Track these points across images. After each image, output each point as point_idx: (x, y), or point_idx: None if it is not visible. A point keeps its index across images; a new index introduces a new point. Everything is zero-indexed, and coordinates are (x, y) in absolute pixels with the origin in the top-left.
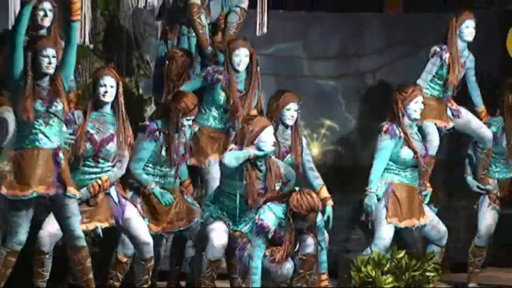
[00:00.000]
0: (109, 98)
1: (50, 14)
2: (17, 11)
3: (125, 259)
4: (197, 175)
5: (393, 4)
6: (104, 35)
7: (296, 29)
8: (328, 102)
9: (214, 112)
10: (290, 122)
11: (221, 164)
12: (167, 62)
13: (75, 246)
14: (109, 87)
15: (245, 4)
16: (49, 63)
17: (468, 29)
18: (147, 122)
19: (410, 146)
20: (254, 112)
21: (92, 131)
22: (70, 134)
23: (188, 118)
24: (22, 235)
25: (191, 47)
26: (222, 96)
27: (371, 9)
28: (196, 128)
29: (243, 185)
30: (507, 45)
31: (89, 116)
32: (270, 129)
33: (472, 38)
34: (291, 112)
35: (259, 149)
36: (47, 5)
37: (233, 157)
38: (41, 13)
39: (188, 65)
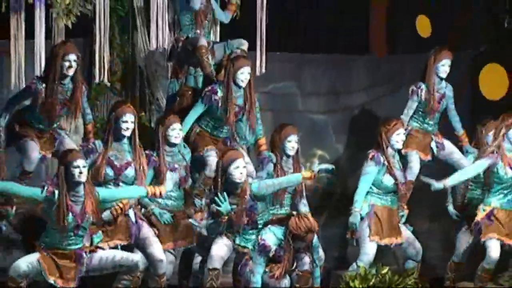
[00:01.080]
0: (129, 132)
1: (74, 65)
2: (43, 58)
3: (138, 273)
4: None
5: (377, 47)
6: (120, 74)
7: (291, 69)
8: (320, 134)
9: (213, 122)
10: (291, 152)
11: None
12: (177, 98)
13: None
14: (130, 122)
15: (245, 46)
16: (80, 172)
17: (443, 67)
18: (149, 152)
19: (391, 173)
20: (263, 141)
21: (112, 158)
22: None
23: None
24: None
25: (198, 85)
26: (219, 112)
27: (357, 51)
28: (198, 129)
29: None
30: (480, 84)
31: (110, 145)
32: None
33: (446, 75)
34: (292, 144)
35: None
36: (72, 57)
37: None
38: (67, 63)
39: (195, 101)
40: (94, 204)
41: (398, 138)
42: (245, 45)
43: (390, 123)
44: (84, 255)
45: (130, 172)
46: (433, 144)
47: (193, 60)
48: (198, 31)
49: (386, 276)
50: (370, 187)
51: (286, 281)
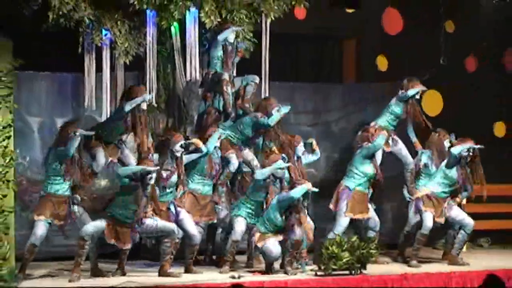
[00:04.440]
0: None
1: (79, 138)
2: (108, 87)
3: (176, 239)
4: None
5: (348, 78)
6: (164, 98)
7: (286, 94)
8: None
9: (234, 134)
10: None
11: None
12: (205, 116)
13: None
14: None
15: (257, 80)
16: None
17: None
18: None
19: (375, 165)
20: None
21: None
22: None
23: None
24: None
25: (220, 107)
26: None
27: (334, 81)
28: (223, 136)
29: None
30: (423, 104)
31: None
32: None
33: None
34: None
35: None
36: (78, 132)
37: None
38: (74, 140)
39: (218, 118)
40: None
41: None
42: (257, 79)
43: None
44: (137, 225)
45: (174, 178)
46: (390, 139)
47: (217, 89)
48: (225, 66)
49: (355, 242)
50: (354, 175)
51: (279, 249)
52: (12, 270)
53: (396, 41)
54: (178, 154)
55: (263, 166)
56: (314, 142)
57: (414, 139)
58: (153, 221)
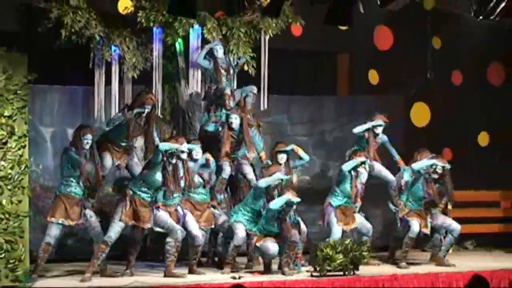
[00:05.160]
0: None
1: (90, 142)
2: (117, 99)
3: (179, 238)
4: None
5: (341, 91)
6: (169, 110)
7: (283, 106)
8: (302, 149)
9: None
10: (282, 161)
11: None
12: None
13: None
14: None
15: (255, 90)
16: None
17: (380, 127)
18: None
19: (355, 185)
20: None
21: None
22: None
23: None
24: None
25: (222, 118)
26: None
27: (329, 93)
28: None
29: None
30: (411, 116)
31: None
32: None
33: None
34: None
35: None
36: (89, 136)
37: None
38: (85, 141)
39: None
40: None
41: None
42: (254, 89)
43: (359, 154)
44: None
45: (182, 183)
46: (366, 166)
47: (220, 102)
48: (219, 80)
49: (348, 245)
50: (335, 193)
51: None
52: (27, 271)
53: (386, 57)
54: (184, 157)
55: (262, 177)
56: (295, 147)
57: (396, 157)
58: (167, 216)
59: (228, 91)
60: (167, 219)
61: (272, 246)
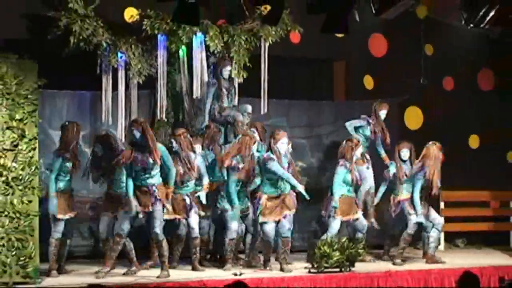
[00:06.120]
0: None
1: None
2: (123, 104)
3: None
4: None
5: (338, 96)
6: (172, 113)
7: (282, 110)
8: (301, 152)
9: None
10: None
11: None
12: (206, 130)
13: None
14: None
15: (249, 110)
16: None
17: (383, 115)
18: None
19: (352, 174)
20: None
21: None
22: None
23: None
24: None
25: (230, 138)
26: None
27: (326, 98)
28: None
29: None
30: (405, 119)
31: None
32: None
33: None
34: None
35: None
36: (99, 146)
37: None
38: (97, 149)
39: (217, 133)
40: None
41: (357, 152)
42: (249, 109)
43: (355, 141)
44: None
45: None
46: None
47: (232, 127)
48: (222, 100)
49: (344, 243)
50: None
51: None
52: (37, 268)
53: (381, 63)
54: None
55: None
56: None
57: (383, 154)
58: (162, 212)
59: (240, 118)
60: (161, 215)
61: (271, 232)
